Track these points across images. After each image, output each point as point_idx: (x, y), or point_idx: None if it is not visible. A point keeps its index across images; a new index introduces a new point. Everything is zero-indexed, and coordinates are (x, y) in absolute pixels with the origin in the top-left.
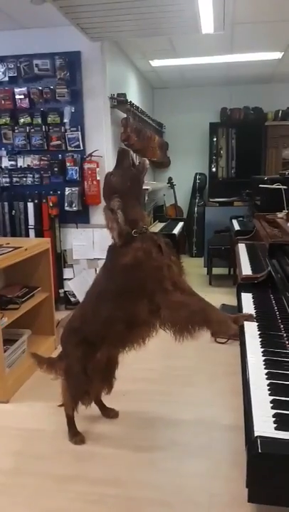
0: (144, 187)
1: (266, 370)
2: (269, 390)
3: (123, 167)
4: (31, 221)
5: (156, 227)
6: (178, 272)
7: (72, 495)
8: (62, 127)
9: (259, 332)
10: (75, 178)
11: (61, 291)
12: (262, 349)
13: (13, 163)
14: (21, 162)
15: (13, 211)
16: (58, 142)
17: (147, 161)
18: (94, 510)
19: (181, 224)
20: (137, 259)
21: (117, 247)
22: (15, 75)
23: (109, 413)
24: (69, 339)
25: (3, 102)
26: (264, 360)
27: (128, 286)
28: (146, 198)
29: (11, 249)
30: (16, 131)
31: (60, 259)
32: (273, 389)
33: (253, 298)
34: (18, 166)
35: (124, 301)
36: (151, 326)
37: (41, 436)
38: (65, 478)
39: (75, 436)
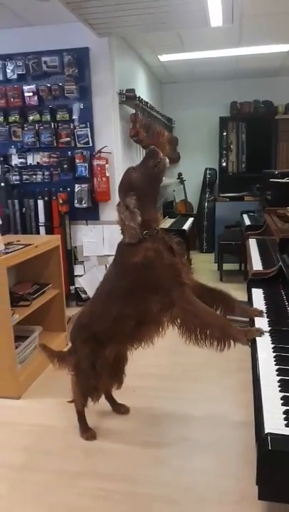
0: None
1: (277, 367)
2: (279, 386)
3: (147, 166)
4: (41, 218)
5: (166, 223)
6: (187, 272)
7: (81, 491)
8: (71, 124)
9: (269, 328)
10: (84, 174)
11: (72, 287)
12: (272, 345)
13: (22, 160)
14: (31, 159)
15: (24, 208)
16: (67, 139)
17: (168, 160)
18: (102, 506)
19: (191, 220)
20: (149, 258)
21: (127, 245)
22: (23, 72)
23: (120, 409)
24: (78, 335)
25: (12, 99)
26: (274, 357)
27: (140, 283)
28: None
29: (21, 246)
30: (25, 128)
31: (71, 256)
32: (284, 385)
33: (264, 293)
34: (28, 164)
35: (135, 298)
36: (161, 324)
37: (52, 432)
38: (74, 474)
39: (86, 432)
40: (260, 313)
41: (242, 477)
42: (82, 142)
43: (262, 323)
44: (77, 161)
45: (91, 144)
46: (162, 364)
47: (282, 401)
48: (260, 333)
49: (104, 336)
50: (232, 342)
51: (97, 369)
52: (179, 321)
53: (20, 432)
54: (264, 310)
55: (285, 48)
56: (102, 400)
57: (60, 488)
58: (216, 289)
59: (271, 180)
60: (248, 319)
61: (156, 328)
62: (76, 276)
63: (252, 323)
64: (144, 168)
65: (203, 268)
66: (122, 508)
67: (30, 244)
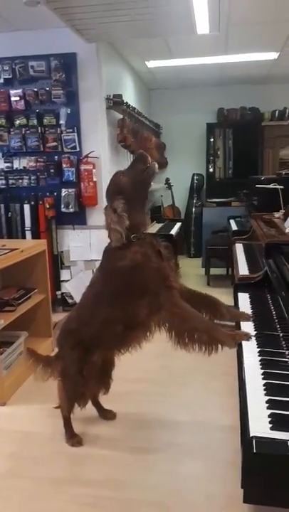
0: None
1: (262, 370)
2: (265, 390)
3: (136, 170)
4: (28, 223)
5: (154, 228)
6: (175, 276)
7: (69, 497)
8: (58, 129)
9: (255, 332)
10: (71, 179)
11: (58, 292)
12: (258, 349)
13: (9, 165)
14: (17, 164)
15: (10, 213)
16: (54, 144)
17: (156, 165)
18: None
19: (178, 225)
20: (136, 262)
21: (114, 249)
22: (10, 76)
23: (106, 415)
24: (65, 341)
25: None
26: (260, 360)
27: (127, 288)
28: None
29: (7, 251)
30: (12, 132)
31: (57, 261)
32: (269, 389)
33: (250, 298)
34: (14, 168)
35: (122, 302)
36: (149, 329)
37: (38, 439)
38: (61, 481)
39: (72, 438)
40: (248, 318)
41: (229, 481)
42: (69, 147)
43: (248, 327)
44: (64, 165)
45: (78, 149)
46: (149, 368)
47: (267, 404)
48: (248, 337)
49: (91, 342)
50: (220, 346)
51: (84, 375)
52: (167, 325)
53: (6, 438)
54: (251, 315)
55: (271, 55)
56: (89, 405)
57: (47, 495)
58: (203, 294)
59: (257, 186)
60: (234, 323)
61: (144, 333)
62: (62, 281)
63: (238, 327)
64: (133, 172)
65: (191, 273)
66: None
67: (16, 249)
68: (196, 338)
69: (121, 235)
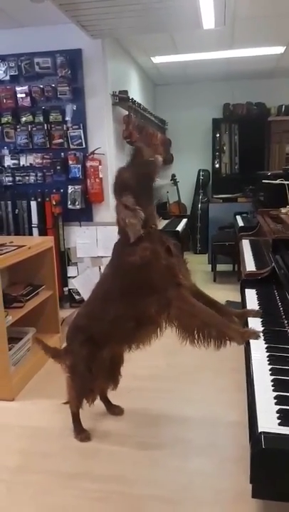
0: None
1: (270, 366)
2: (273, 385)
3: (137, 164)
4: (34, 220)
5: (160, 224)
6: (185, 273)
7: (78, 492)
8: (64, 125)
9: (263, 328)
10: (77, 176)
11: (65, 289)
12: (266, 345)
13: (15, 161)
14: (24, 161)
15: (17, 210)
16: (60, 140)
17: (160, 159)
18: (99, 507)
19: (184, 221)
20: (146, 258)
21: (123, 244)
22: (16, 73)
23: (114, 410)
24: (74, 337)
25: (4, 100)
26: (268, 356)
27: (137, 284)
28: None
29: (14, 247)
30: (18, 129)
31: (64, 258)
32: (277, 385)
33: (257, 294)
34: (21, 165)
35: (132, 299)
36: (159, 325)
37: (47, 434)
38: (70, 476)
39: (81, 433)
40: (256, 314)
41: (238, 476)
42: (75, 143)
43: (255, 323)
44: (70, 162)
45: (84, 146)
46: (157, 365)
47: (275, 400)
48: (257, 336)
49: (101, 338)
50: (228, 341)
51: (93, 372)
52: (176, 321)
53: (15, 433)
54: (260, 310)
55: (277, 50)
56: (97, 401)
57: (56, 490)
58: (213, 300)
59: (264, 181)
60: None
61: (154, 329)
62: (69, 277)
63: (245, 324)
64: (135, 166)
65: (197, 269)
66: (119, 508)
67: (23, 246)
68: (205, 333)
69: (138, 227)
